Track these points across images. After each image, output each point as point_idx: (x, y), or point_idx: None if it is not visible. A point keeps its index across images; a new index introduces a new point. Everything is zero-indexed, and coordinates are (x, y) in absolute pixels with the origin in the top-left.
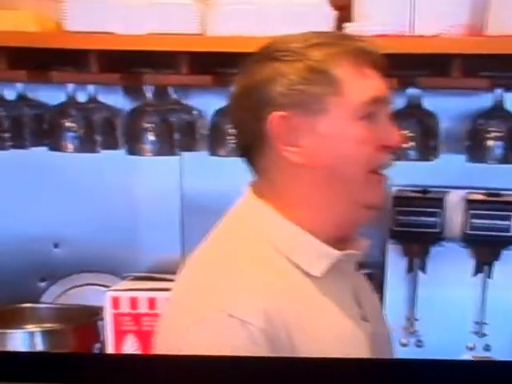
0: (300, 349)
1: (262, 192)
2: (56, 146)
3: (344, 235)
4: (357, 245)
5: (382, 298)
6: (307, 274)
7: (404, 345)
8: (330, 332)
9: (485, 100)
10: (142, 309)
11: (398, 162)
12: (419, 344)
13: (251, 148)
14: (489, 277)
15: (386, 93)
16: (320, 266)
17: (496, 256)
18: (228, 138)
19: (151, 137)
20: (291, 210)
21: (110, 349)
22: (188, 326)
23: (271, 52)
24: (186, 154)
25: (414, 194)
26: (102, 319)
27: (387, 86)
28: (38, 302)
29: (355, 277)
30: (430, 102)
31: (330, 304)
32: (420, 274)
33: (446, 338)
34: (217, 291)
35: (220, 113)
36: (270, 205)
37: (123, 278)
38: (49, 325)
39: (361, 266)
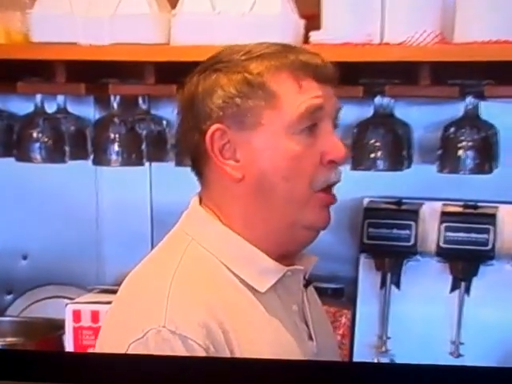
0: None
1: (206, 203)
2: (24, 157)
3: (286, 253)
4: (304, 261)
5: (353, 314)
6: (251, 288)
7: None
8: (270, 350)
9: (456, 109)
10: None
11: (370, 173)
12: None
13: (194, 159)
14: (466, 293)
15: (326, 104)
16: (264, 281)
17: (473, 271)
18: None
19: (117, 147)
20: (232, 223)
21: None
22: (129, 343)
23: (215, 63)
24: (155, 165)
25: (386, 206)
26: (65, 333)
27: (332, 99)
28: (2, 315)
29: (302, 293)
30: (401, 111)
31: (272, 321)
32: (393, 289)
33: (419, 357)
34: (158, 307)
35: None
36: (213, 215)
37: (89, 291)
38: (12, 339)
39: (329, 279)
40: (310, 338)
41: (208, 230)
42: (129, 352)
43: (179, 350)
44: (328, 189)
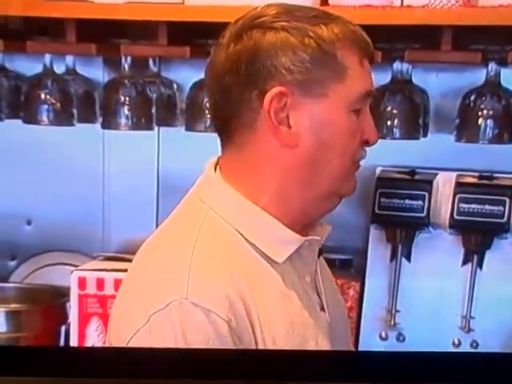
0: (261, 335)
1: (227, 168)
2: (31, 119)
3: (311, 221)
4: (319, 230)
5: (362, 287)
6: (269, 259)
7: (384, 338)
8: (289, 320)
9: (477, 75)
10: (109, 290)
11: (383, 141)
12: (400, 338)
13: (232, 120)
14: (478, 267)
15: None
16: (282, 251)
17: (487, 245)
18: (206, 112)
19: (127, 111)
20: (259, 191)
21: (74, 331)
22: (150, 313)
23: (272, 21)
24: (163, 130)
25: (399, 176)
26: (69, 300)
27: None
28: (5, 281)
29: (316, 264)
30: (418, 78)
31: (289, 292)
32: (404, 262)
33: (429, 332)
34: (180, 278)
35: (198, 86)
36: (231, 183)
37: (94, 258)
38: (15, 305)
39: (338, 250)
40: (322, 308)
41: (225, 200)
42: (150, 322)
43: (202, 323)
44: (358, 162)
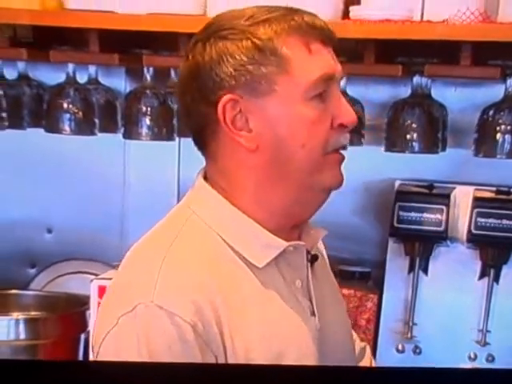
0: (231, 343)
1: (212, 178)
2: (52, 128)
3: (298, 222)
4: (312, 235)
5: (380, 299)
6: (250, 265)
7: (400, 351)
8: (266, 325)
9: (496, 90)
10: None
11: (402, 155)
12: (416, 351)
13: (201, 132)
14: (495, 281)
15: (336, 70)
16: (263, 256)
17: (504, 259)
18: None
19: (149, 121)
20: (240, 197)
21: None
22: (118, 316)
23: (216, 30)
24: (184, 140)
25: (417, 189)
26: (89, 309)
27: (338, 64)
28: (25, 289)
29: (307, 269)
30: (437, 92)
31: (270, 296)
32: (421, 275)
33: (445, 345)
34: (149, 282)
35: None
36: (218, 191)
37: (113, 267)
38: (35, 312)
39: (357, 263)
40: (313, 313)
41: (209, 204)
42: (118, 324)
43: (165, 326)
44: (338, 150)
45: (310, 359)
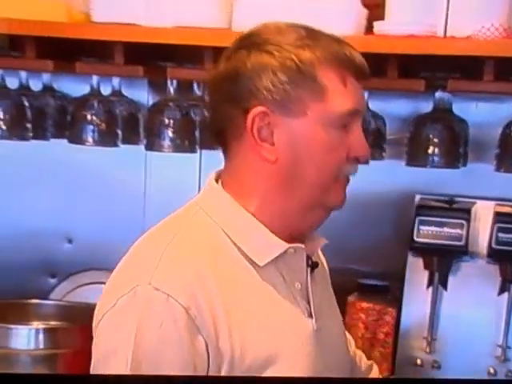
0: (228, 332)
1: (225, 178)
2: (76, 139)
3: (296, 233)
4: (314, 242)
5: (398, 313)
6: (252, 262)
7: (419, 365)
8: (264, 320)
9: None
10: None
11: (423, 169)
12: (435, 365)
13: (224, 131)
14: None
15: (362, 106)
16: (264, 255)
17: None
18: None
19: (171, 133)
20: (249, 201)
21: None
22: (118, 297)
23: (261, 43)
24: (205, 152)
25: (438, 204)
26: None
27: (363, 98)
28: (45, 299)
29: (306, 273)
30: (459, 107)
31: (269, 293)
32: (441, 289)
33: (464, 360)
34: (150, 266)
35: None
36: (228, 191)
37: None
38: (54, 322)
39: (376, 276)
40: (310, 315)
41: (217, 202)
42: (116, 305)
43: (159, 306)
44: (347, 177)
45: (304, 359)
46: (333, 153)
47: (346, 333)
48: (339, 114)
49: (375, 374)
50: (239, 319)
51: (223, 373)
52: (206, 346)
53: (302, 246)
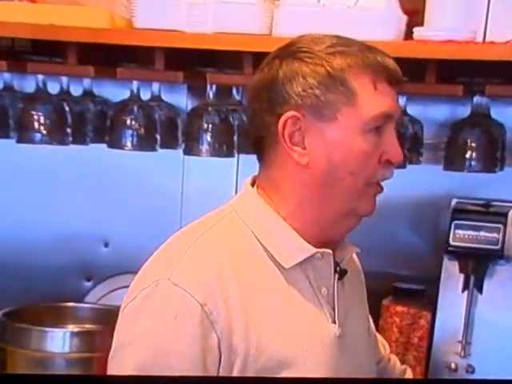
0: (245, 331)
1: (260, 183)
2: (115, 143)
3: (328, 240)
4: (345, 249)
5: (433, 317)
6: (278, 265)
7: (453, 370)
8: (284, 322)
9: None
10: None
11: (460, 173)
12: (469, 370)
13: (260, 139)
14: None
15: (395, 110)
16: (290, 257)
17: None
18: None
19: (210, 137)
20: (281, 205)
21: None
22: (140, 289)
23: (295, 51)
24: (242, 157)
25: (474, 208)
26: None
27: (397, 103)
28: (81, 302)
29: (334, 278)
30: (497, 111)
31: (293, 296)
32: (476, 293)
33: (499, 365)
34: (172, 262)
35: None
36: (263, 196)
37: None
38: (90, 325)
39: (411, 280)
40: (334, 321)
41: (250, 205)
42: (136, 298)
43: (176, 300)
44: (379, 183)
45: (324, 364)
46: (365, 157)
47: (380, 337)
48: (370, 117)
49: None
50: (258, 319)
51: (236, 371)
52: (219, 343)
53: (329, 251)
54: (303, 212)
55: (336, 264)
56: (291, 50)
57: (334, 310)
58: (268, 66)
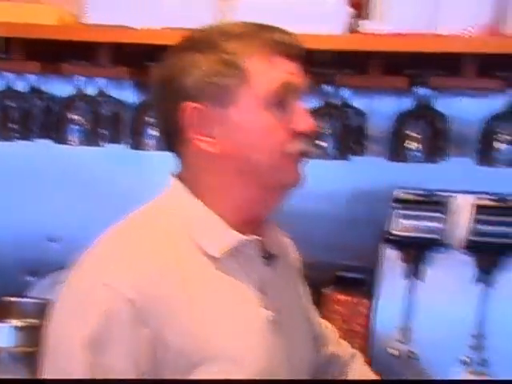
0: (172, 325)
1: (183, 176)
2: (61, 139)
3: (258, 218)
4: (272, 235)
5: (373, 305)
6: (208, 256)
7: (395, 356)
8: (214, 308)
9: (498, 102)
10: None
11: (404, 164)
12: (411, 355)
13: (170, 136)
14: (490, 287)
15: (297, 81)
16: (220, 247)
17: (499, 265)
18: None
19: (155, 132)
20: (206, 196)
21: None
22: (70, 290)
23: (193, 41)
24: None
25: (415, 197)
26: None
27: (301, 76)
28: (24, 296)
29: (264, 265)
30: (441, 103)
31: (223, 286)
32: (417, 281)
33: (440, 350)
34: (103, 261)
35: None
36: (187, 188)
37: None
38: (33, 320)
39: (352, 269)
40: (266, 307)
41: (176, 198)
42: (66, 299)
43: (107, 299)
44: (297, 154)
45: (258, 349)
46: (273, 132)
47: (328, 323)
48: (268, 92)
49: (359, 361)
50: (190, 311)
51: (172, 362)
52: (152, 338)
53: (257, 237)
54: (226, 198)
55: (265, 250)
56: (190, 41)
57: (266, 295)
58: (168, 60)
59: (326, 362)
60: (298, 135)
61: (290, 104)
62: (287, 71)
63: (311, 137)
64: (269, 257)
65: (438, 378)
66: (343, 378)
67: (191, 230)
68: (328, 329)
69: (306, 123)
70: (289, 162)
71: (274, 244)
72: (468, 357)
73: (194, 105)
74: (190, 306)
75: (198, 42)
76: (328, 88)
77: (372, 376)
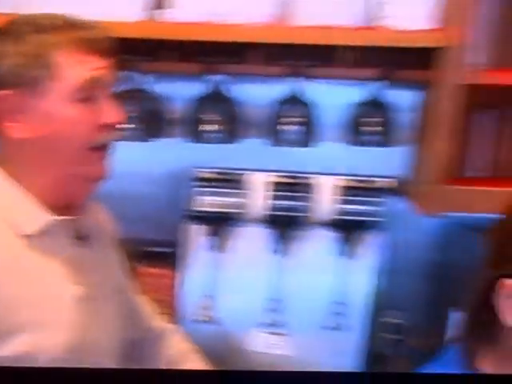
0: None
1: (2, 161)
2: None
3: (69, 204)
4: (87, 214)
5: (179, 278)
6: (20, 235)
7: (197, 321)
8: (26, 288)
9: (285, 87)
10: None
11: (202, 146)
12: (215, 321)
13: None
14: (286, 256)
15: (104, 75)
16: (30, 227)
17: (293, 236)
18: None
19: None
20: (21, 178)
21: None
22: None
23: (5, 32)
24: None
25: (215, 175)
26: None
27: (109, 69)
28: None
29: (77, 245)
30: (234, 89)
31: (34, 264)
32: (220, 253)
33: (242, 315)
34: None
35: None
36: (4, 171)
37: None
38: None
39: (158, 244)
40: (76, 283)
41: None
42: None
43: None
44: (104, 146)
45: (69, 324)
46: (76, 126)
47: (145, 299)
48: (74, 87)
49: (176, 336)
50: (3, 288)
51: None
52: None
53: (67, 217)
54: (37, 181)
55: (77, 229)
56: (3, 31)
57: (79, 272)
58: None
59: (142, 336)
60: (106, 128)
61: (99, 98)
62: (93, 67)
63: (119, 128)
64: (84, 237)
65: (242, 340)
66: (160, 351)
67: (6, 212)
68: (145, 305)
69: (112, 116)
70: (93, 156)
71: (91, 224)
72: (266, 319)
73: (5, 92)
74: (5, 286)
75: (10, 32)
76: (132, 74)
77: (189, 349)
